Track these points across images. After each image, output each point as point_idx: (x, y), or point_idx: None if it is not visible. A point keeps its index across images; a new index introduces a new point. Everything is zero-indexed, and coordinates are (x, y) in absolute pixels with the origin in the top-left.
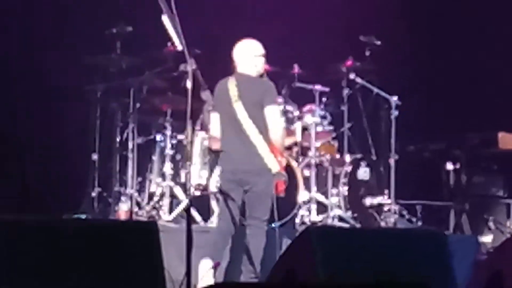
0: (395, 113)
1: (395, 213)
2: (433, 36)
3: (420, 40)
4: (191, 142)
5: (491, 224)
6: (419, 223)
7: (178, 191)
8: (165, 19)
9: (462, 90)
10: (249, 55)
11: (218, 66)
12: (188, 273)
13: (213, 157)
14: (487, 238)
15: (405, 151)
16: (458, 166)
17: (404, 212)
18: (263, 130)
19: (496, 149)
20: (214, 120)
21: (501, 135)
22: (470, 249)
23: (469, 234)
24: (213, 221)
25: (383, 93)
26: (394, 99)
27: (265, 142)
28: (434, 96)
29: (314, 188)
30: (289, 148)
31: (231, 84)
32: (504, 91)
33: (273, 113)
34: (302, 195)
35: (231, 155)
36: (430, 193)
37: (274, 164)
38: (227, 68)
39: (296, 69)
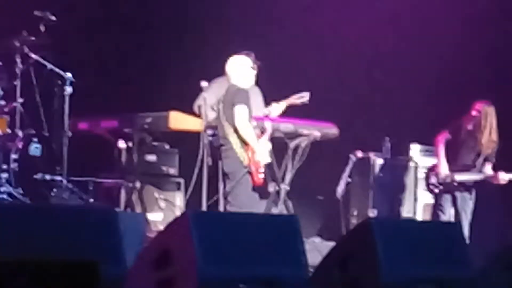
0: (68, 89)
1: (66, 189)
2: (121, 15)
3: (97, 18)
4: None
5: (161, 202)
6: (91, 200)
7: None
8: None
9: (135, 70)
10: (240, 68)
11: None
12: None
13: None
14: (157, 216)
15: (78, 128)
16: (130, 144)
17: (76, 189)
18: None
19: (167, 129)
20: None
21: (172, 114)
22: (139, 227)
23: (139, 212)
24: None
25: (57, 69)
26: (68, 75)
27: (238, 139)
28: (108, 74)
29: None
30: None
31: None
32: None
33: (237, 113)
34: None
35: (221, 153)
36: (102, 171)
37: (245, 158)
38: None
39: None
